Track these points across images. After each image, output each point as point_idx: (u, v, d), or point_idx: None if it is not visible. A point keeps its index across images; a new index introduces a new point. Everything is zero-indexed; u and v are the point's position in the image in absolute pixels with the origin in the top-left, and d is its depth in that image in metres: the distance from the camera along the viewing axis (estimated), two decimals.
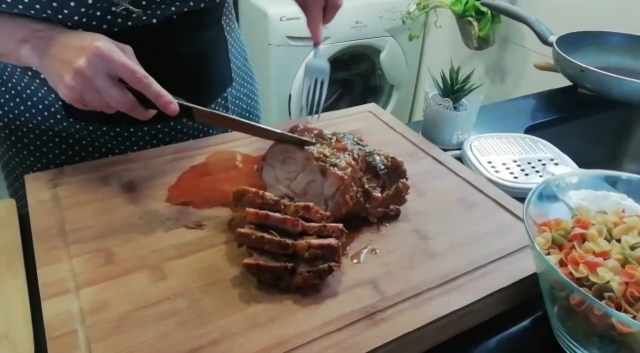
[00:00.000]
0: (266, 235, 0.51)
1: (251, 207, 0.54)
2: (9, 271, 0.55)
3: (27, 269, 0.55)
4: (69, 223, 0.58)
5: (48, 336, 0.45)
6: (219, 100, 0.85)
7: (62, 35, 0.59)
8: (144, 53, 0.70)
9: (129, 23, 0.66)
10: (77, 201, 0.62)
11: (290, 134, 0.63)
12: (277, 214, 0.53)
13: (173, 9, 0.68)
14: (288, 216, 0.53)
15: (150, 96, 0.57)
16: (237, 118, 0.65)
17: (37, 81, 0.71)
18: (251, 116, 0.95)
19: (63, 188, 0.64)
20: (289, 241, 0.51)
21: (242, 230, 0.52)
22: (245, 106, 0.92)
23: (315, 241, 0.52)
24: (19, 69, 0.71)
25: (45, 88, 0.71)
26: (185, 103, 0.59)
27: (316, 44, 0.70)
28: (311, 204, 0.56)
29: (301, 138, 0.62)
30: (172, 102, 0.57)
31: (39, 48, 0.59)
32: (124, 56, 0.56)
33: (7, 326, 0.49)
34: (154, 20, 0.67)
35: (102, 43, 0.55)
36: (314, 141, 0.62)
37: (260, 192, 0.56)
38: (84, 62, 0.54)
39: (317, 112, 0.68)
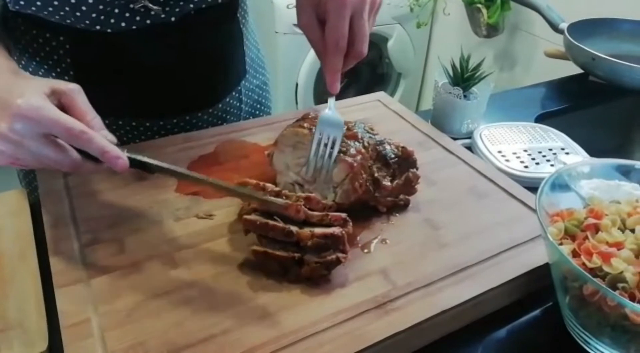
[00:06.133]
0: (270, 221, 0.51)
1: None
2: (21, 260, 0.55)
3: (39, 258, 0.56)
4: (80, 212, 0.58)
5: (62, 324, 0.46)
6: (234, 93, 0.84)
7: None
8: (162, 51, 0.70)
9: (148, 21, 0.65)
10: (88, 191, 0.62)
11: (264, 197, 0.53)
12: (280, 200, 0.53)
13: (191, 5, 0.67)
14: (289, 201, 0.53)
15: (94, 152, 0.48)
16: (198, 176, 0.53)
17: (44, 68, 0.71)
18: (262, 107, 0.94)
19: (73, 178, 0.64)
20: (293, 228, 0.51)
21: (248, 217, 0.52)
22: (257, 98, 0.92)
23: (318, 230, 0.52)
24: (25, 56, 0.71)
25: (53, 76, 0.71)
26: (138, 157, 0.52)
27: (332, 95, 0.61)
28: (312, 194, 0.56)
29: (276, 200, 0.53)
30: (119, 158, 0.49)
31: None
32: (54, 111, 0.47)
33: (21, 315, 0.49)
34: (173, 19, 0.67)
35: (26, 100, 0.46)
36: (285, 202, 0.53)
37: (262, 183, 0.56)
38: (5, 126, 0.46)
39: (326, 171, 0.55)
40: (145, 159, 0.52)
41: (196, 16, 0.69)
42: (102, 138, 0.49)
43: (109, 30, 0.64)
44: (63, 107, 0.49)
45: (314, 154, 0.56)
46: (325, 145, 0.56)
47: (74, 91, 0.50)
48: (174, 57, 0.72)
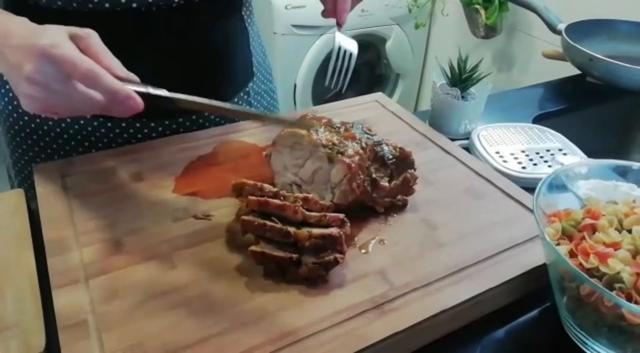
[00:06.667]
0: (268, 222, 0.51)
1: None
2: (19, 260, 0.55)
3: (36, 259, 0.56)
4: (77, 213, 0.58)
5: (59, 325, 0.46)
6: (242, 94, 0.83)
7: (15, 30, 0.50)
8: (162, 39, 0.69)
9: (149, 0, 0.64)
10: (86, 192, 0.62)
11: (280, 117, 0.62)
12: (277, 201, 0.53)
13: None
14: (287, 203, 0.53)
15: (103, 93, 0.48)
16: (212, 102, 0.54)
17: None
18: None
19: (71, 178, 0.64)
20: (291, 229, 0.51)
21: (245, 218, 0.52)
22: (266, 104, 0.91)
23: (316, 231, 0.51)
24: None
25: None
26: (158, 92, 0.52)
27: (340, 25, 0.67)
28: (310, 195, 0.56)
29: (289, 119, 0.60)
30: (129, 98, 0.49)
31: None
32: (72, 51, 0.48)
33: (18, 315, 0.49)
34: None
35: (46, 41, 0.47)
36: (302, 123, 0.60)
37: (259, 184, 0.56)
38: (31, 67, 0.47)
39: (342, 86, 0.66)
40: (165, 93, 0.53)
41: (198, 4, 0.68)
42: (112, 79, 0.49)
43: (107, 5, 0.63)
44: (81, 51, 0.50)
45: (332, 68, 0.65)
46: (343, 59, 0.66)
47: (90, 35, 0.52)
48: (173, 48, 0.71)
